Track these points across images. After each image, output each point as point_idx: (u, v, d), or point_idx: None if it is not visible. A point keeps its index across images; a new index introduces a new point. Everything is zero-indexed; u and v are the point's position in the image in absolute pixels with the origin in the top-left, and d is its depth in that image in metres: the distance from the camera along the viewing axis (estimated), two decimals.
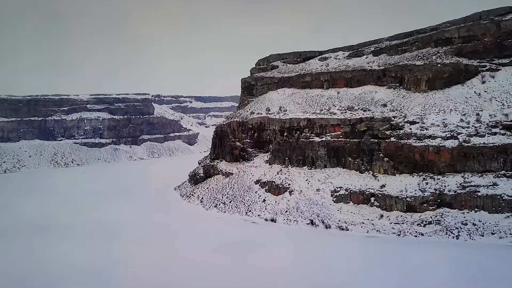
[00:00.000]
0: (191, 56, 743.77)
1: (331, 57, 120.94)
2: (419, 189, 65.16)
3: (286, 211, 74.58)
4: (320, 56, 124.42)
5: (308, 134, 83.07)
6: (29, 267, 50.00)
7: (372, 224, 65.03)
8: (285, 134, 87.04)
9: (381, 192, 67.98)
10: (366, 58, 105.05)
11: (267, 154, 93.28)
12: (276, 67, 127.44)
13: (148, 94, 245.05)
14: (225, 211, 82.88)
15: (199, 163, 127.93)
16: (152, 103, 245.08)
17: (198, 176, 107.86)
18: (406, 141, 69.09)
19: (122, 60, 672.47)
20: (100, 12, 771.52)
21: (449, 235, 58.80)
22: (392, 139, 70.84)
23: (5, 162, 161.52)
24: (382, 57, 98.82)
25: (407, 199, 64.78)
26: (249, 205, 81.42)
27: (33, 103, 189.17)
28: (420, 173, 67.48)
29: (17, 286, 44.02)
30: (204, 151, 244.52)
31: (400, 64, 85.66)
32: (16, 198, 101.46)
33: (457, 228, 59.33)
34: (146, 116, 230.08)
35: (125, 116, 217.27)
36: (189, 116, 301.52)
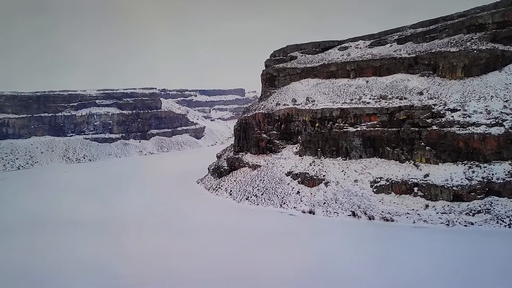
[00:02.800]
0: (192, 51, 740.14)
1: (351, 46, 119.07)
2: (466, 177, 63.84)
3: (324, 203, 73.22)
4: (339, 46, 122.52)
5: (341, 124, 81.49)
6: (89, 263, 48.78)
7: (418, 214, 63.75)
8: (317, 124, 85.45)
9: (425, 182, 66.63)
10: (391, 46, 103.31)
11: (296, 145, 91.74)
12: (294, 58, 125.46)
13: (155, 88, 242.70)
14: (257, 204, 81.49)
15: (218, 157, 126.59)
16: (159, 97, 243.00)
17: (222, 169, 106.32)
18: (449, 129, 67.65)
19: (124, 56, 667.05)
20: (99, 8, 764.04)
21: (500, 224, 57.56)
22: (434, 127, 69.36)
23: (18, 159, 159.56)
24: (409, 45, 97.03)
25: (454, 188, 63.45)
26: (282, 197, 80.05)
27: (43, 99, 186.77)
28: (465, 162, 66.13)
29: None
30: (212, 145, 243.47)
31: (433, 51, 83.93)
32: (42, 194, 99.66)
33: (508, 217, 58.07)
34: (154, 110, 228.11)
35: (134, 111, 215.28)
36: (195, 110, 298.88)
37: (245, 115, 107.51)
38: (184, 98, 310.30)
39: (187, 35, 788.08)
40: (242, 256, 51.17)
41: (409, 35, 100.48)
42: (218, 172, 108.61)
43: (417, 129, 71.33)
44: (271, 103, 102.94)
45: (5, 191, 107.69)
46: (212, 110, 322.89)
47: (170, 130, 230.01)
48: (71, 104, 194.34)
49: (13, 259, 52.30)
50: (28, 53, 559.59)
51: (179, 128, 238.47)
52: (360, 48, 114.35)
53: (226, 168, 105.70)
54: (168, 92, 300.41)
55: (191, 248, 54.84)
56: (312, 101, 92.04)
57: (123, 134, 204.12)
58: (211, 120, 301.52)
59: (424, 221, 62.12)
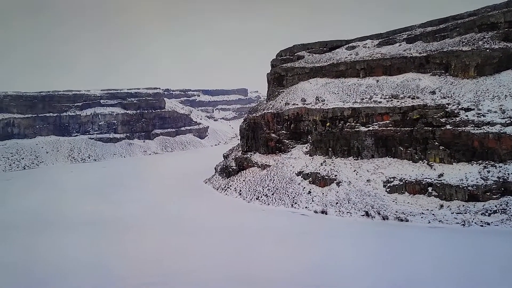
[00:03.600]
0: (192, 51, 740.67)
1: (359, 45, 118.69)
2: (481, 177, 63.29)
3: (337, 203, 72.74)
4: (347, 45, 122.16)
5: (353, 123, 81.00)
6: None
7: (433, 214, 63.22)
8: (328, 124, 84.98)
9: (439, 182, 66.11)
10: (400, 45, 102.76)
11: (306, 145, 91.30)
12: (302, 57, 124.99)
13: (159, 88, 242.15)
14: (268, 203, 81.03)
15: (225, 157, 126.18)
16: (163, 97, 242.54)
17: (230, 169, 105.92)
18: (463, 128, 67.14)
19: (125, 56, 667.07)
20: (98, 7, 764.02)
21: None
22: (448, 126, 68.86)
23: (23, 158, 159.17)
24: (419, 44, 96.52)
25: (469, 188, 62.93)
26: (293, 197, 79.59)
27: (48, 99, 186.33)
28: (480, 161, 65.59)
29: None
30: (215, 145, 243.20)
31: (444, 50, 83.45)
32: (50, 194, 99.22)
33: None
34: (158, 110, 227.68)
35: (138, 111, 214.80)
36: (198, 110, 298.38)
37: (254, 114, 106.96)
38: (187, 98, 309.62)
39: (187, 35, 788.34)
40: (257, 256, 50.59)
41: (419, 34, 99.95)
42: (226, 172, 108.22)
43: (430, 128, 70.79)
44: (280, 102, 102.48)
45: (13, 191, 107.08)
46: (215, 110, 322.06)
47: (174, 130, 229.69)
48: (75, 104, 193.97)
49: (19, 259, 51.86)
50: (28, 52, 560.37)
51: (182, 128, 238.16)
52: (368, 47, 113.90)
53: (234, 168, 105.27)
54: (171, 92, 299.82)
55: (204, 247, 54.17)
56: (322, 101, 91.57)
57: (128, 134, 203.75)
58: (214, 120, 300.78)
59: (439, 221, 61.61)
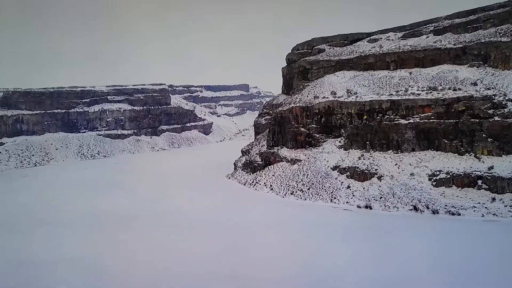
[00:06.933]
0: (188, 49, 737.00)
1: (381, 38, 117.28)
2: None
3: (381, 197, 71.17)
4: (368, 38, 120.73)
5: (392, 116, 79.41)
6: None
7: (485, 208, 61.94)
8: (365, 117, 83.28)
9: (489, 174, 64.83)
10: (427, 37, 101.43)
11: (339, 139, 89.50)
12: (323, 51, 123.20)
13: (165, 84, 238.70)
14: (305, 199, 79.24)
15: (244, 152, 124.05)
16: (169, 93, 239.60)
17: (255, 164, 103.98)
18: None
19: (124, 53, 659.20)
20: (96, 6, 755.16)
21: None
22: (496, 118, 67.59)
23: (33, 155, 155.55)
24: (449, 36, 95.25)
25: None
26: (332, 192, 77.88)
27: (56, 95, 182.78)
28: None
29: None
30: (220, 141, 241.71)
31: (482, 41, 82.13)
32: (79, 191, 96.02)
33: None
34: (164, 106, 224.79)
35: (145, 107, 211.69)
36: (201, 106, 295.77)
37: (280, 109, 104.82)
38: (190, 94, 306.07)
39: (185, 34, 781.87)
40: (321, 252, 49.32)
41: (447, 26, 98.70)
42: (250, 167, 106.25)
43: (477, 120, 69.43)
44: (307, 96, 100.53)
45: (40, 187, 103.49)
46: (218, 106, 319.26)
47: (179, 126, 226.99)
48: (83, 100, 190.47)
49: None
50: (29, 50, 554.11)
51: (188, 124, 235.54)
52: (392, 40, 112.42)
53: (260, 162, 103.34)
54: (174, 88, 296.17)
55: (270, 243, 53.11)
56: (354, 94, 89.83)
57: (135, 130, 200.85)
58: (217, 116, 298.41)
59: (494, 214, 60.41)
